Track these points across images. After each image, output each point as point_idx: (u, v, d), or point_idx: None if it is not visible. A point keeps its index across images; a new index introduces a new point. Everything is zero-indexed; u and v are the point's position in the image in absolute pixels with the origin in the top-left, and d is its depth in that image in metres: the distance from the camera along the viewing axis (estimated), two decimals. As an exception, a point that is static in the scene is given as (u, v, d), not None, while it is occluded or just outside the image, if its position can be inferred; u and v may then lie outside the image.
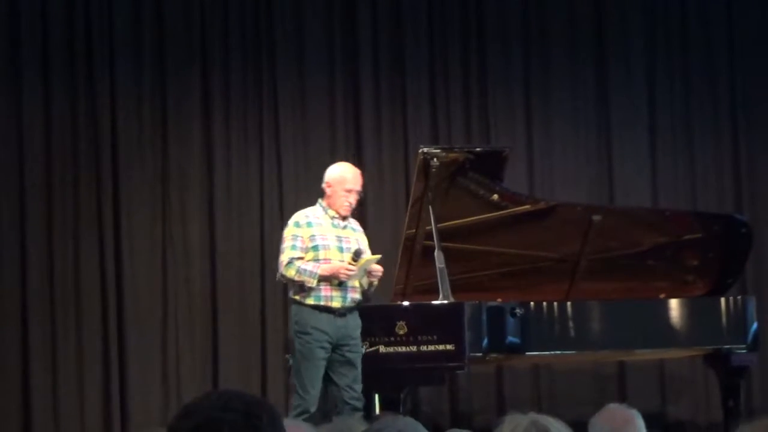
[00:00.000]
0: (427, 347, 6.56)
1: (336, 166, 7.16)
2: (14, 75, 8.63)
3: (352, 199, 6.94)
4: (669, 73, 9.46)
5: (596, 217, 7.34)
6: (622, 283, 7.57)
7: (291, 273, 6.80)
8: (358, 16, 9.09)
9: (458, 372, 7.03)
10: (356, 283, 6.83)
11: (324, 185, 7.02)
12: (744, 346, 7.31)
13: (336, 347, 6.74)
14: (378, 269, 6.82)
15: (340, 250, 6.82)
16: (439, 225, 6.95)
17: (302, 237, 6.84)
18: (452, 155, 7.16)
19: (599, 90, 9.37)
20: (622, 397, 8.52)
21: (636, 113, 9.39)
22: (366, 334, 6.66)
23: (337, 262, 6.77)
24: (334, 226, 6.90)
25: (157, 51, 8.82)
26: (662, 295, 7.42)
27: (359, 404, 6.69)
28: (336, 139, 9.02)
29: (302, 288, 6.78)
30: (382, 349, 6.59)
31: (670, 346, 7.43)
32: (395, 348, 6.58)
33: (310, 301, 6.76)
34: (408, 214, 7.15)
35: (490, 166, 7.24)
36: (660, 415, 8.94)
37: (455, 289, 6.79)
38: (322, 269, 6.73)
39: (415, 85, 9.14)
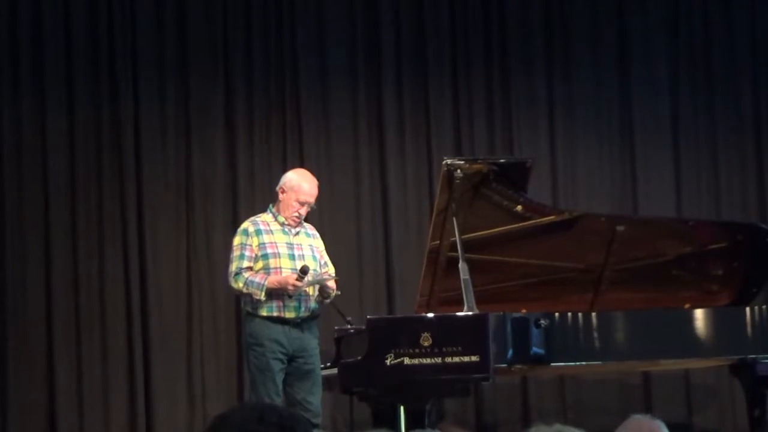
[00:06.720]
0: (452, 359, 6.55)
1: (294, 172, 7.02)
2: (38, 89, 8.68)
3: (303, 211, 6.80)
4: (692, 84, 9.45)
5: (620, 228, 7.32)
6: (647, 293, 7.53)
7: (239, 285, 6.70)
8: (380, 28, 9.11)
9: (483, 383, 7.01)
10: (310, 291, 6.73)
11: (278, 190, 6.89)
12: (770, 355, 7.29)
13: (292, 359, 6.67)
14: (332, 287, 6.75)
15: (291, 257, 6.71)
16: (463, 236, 6.93)
17: (251, 246, 6.72)
18: (476, 166, 7.14)
19: (622, 100, 9.37)
20: (648, 408, 8.51)
21: (659, 123, 9.38)
22: (391, 346, 6.61)
23: (288, 270, 6.64)
24: (285, 233, 6.78)
25: (181, 63, 8.85)
26: (687, 306, 7.40)
27: (316, 420, 6.59)
28: (359, 151, 9.04)
29: (254, 299, 6.67)
30: (406, 361, 6.56)
31: (695, 356, 7.39)
32: (420, 360, 6.56)
33: (264, 312, 6.66)
34: (432, 225, 7.12)
35: (514, 176, 7.22)
36: (685, 426, 8.92)
37: (480, 300, 6.78)
38: (269, 281, 6.61)
39: (439, 97, 9.15)
